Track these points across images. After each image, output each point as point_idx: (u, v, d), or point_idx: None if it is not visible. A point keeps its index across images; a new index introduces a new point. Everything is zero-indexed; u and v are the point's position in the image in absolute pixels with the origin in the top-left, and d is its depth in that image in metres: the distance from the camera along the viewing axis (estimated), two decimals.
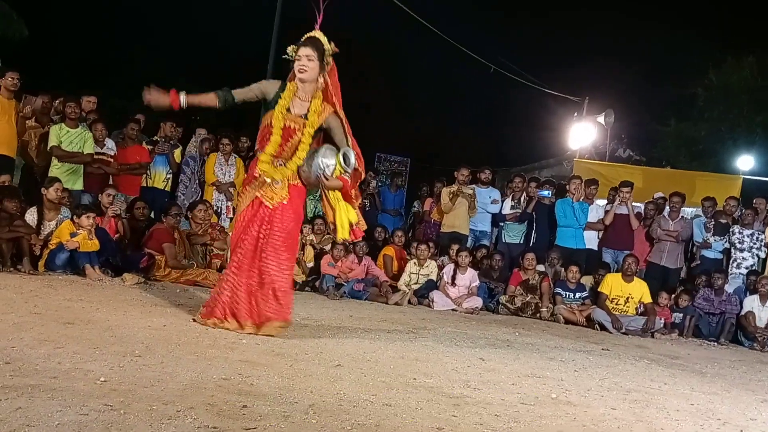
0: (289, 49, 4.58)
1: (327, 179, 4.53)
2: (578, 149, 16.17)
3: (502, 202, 9.99)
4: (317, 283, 8.29)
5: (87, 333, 3.67)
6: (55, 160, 7.79)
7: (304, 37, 4.58)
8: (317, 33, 4.57)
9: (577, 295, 8.65)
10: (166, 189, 9.01)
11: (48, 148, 7.81)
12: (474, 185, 9.97)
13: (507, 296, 8.70)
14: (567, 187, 9.90)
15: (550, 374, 4.35)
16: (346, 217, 4.74)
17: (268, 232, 4.48)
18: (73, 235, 6.57)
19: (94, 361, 3.05)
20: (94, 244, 6.70)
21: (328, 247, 8.76)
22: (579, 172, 11.15)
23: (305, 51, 4.51)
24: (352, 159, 4.55)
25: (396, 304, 8.12)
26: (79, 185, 7.97)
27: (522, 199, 9.93)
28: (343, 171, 4.55)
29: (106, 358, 3.12)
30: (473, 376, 3.90)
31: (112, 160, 8.31)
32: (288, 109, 4.54)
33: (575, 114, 17.40)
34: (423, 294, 8.52)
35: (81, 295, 5.14)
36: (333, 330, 5.18)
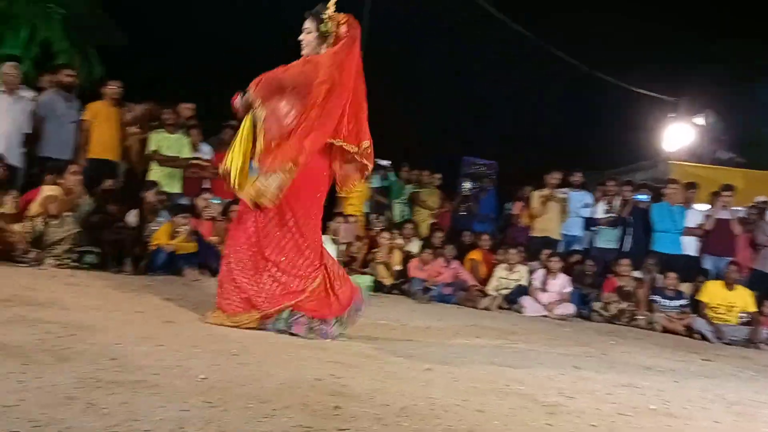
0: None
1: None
2: (674, 151, 15.58)
3: (595, 206, 9.74)
4: (405, 287, 8.30)
5: (186, 331, 3.80)
6: (154, 165, 8.11)
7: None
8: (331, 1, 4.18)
9: (676, 302, 8.29)
10: None
11: (149, 152, 8.16)
12: (566, 189, 9.76)
13: (601, 303, 8.45)
14: (663, 190, 9.55)
15: (648, 384, 4.18)
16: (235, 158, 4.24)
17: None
18: (171, 237, 6.83)
19: (194, 358, 3.15)
20: (191, 246, 6.93)
21: (415, 251, 8.76)
22: (676, 175, 10.74)
23: (304, 24, 4.22)
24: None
25: (485, 308, 8.03)
26: (177, 189, 8.26)
27: (616, 203, 9.65)
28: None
29: (205, 356, 3.21)
30: (567, 385, 3.80)
31: (208, 165, 8.58)
32: None
33: (670, 114, 16.77)
34: (513, 299, 8.39)
35: (180, 295, 5.32)
36: (422, 333, 5.17)
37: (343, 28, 4.10)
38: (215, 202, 8.09)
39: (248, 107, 4.11)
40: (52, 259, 6.11)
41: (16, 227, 6.15)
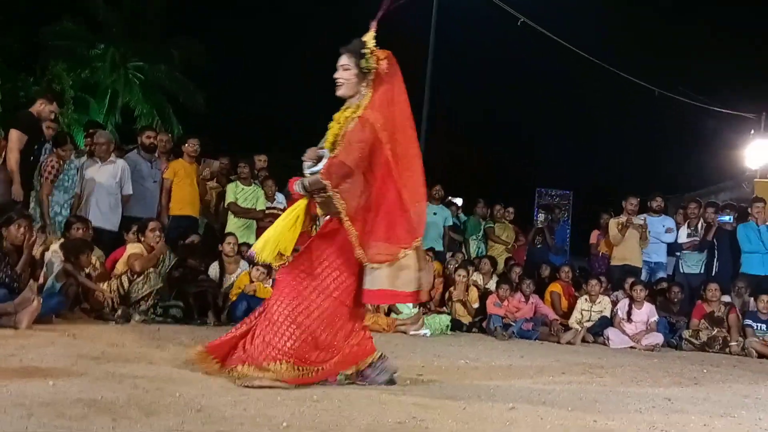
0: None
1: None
2: (757, 169, 14.99)
3: (677, 230, 9.43)
4: (484, 324, 8.19)
5: None
6: (231, 216, 8.35)
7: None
8: (368, 34, 3.81)
9: None
10: None
11: (225, 204, 8.41)
12: (644, 214, 9.50)
13: (690, 330, 8.14)
14: (749, 210, 9.19)
15: (746, 414, 3.97)
16: (283, 240, 3.82)
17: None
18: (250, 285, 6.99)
19: (276, 406, 3.18)
20: (269, 292, 7.05)
21: (492, 287, 8.66)
22: (761, 193, 10.31)
23: (340, 61, 3.82)
24: (321, 154, 3.78)
25: (569, 343, 7.83)
26: (252, 239, 8.47)
27: (699, 225, 9.33)
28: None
29: (287, 404, 3.24)
30: (659, 418, 3.65)
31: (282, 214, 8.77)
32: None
33: (752, 131, 16.19)
34: (597, 332, 8.16)
35: None
36: (504, 371, 5.08)
37: (383, 64, 3.78)
38: None
39: (310, 192, 3.80)
40: (138, 315, 6.32)
41: (104, 286, 6.41)
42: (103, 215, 7.54)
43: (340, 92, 3.84)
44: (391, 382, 3.94)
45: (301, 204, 3.82)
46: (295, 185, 3.80)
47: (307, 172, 3.77)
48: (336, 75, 3.82)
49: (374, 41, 3.78)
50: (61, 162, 7.24)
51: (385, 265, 3.71)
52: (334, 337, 3.80)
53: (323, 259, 3.81)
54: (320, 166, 3.72)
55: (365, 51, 3.74)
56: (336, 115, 3.89)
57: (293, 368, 3.66)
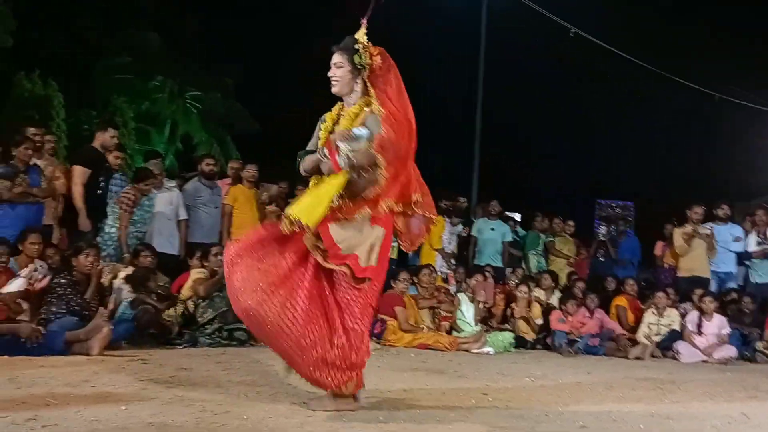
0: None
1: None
2: None
3: (746, 238, 9.13)
4: (548, 341, 8.05)
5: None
6: None
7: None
8: (359, 32, 3.69)
9: None
10: (392, 257, 9.34)
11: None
12: (710, 223, 9.22)
13: (765, 342, 7.86)
14: None
15: None
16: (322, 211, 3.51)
17: None
18: None
19: (344, 428, 3.18)
20: None
21: (555, 302, 8.52)
22: None
23: (333, 59, 3.70)
24: (358, 133, 3.54)
25: (637, 358, 7.63)
26: None
27: None
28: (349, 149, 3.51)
29: (353, 426, 3.24)
30: None
31: None
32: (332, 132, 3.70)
33: None
34: (666, 346, 7.94)
35: None
36: (572, 389, 4.97)
37: (377, 59, 3.65)
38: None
39: (356, 168, 3.53)
40: (204, 339, 6.43)
41: (170, 311, 6.55)
42: (165, 240, 7.77)
43: (335, 90, 3.71)
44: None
45: (340, 179, 3.51)
46: (340, 159, 3.50)
47: (348, 147, 3.49)
48: (330, 73, 3.70)
49: (366, 38, 3.65)
50: (138, 195, 7.43)
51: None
52: None
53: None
54: (362, 143, 3.51)
55: (358, 47, 3.63)
56: (328, 115, 3.77)
57: (354, 383, 3.58)
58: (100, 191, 7.36)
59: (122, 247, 7.25)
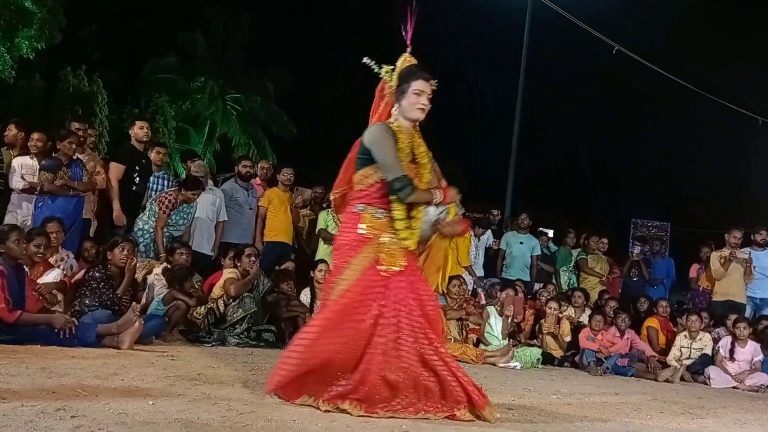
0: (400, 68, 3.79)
1: (443, 225, 3.79)
2: None
3: None
4: (576, 359, 7.97)
5: None
6: (321, 243, 8.49)
7: (409, 63, 3.78)
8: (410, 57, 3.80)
9: None
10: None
11: (316, 231, 8.56)
12: (748, 248, 9.06)
13: None
14: None
15: None
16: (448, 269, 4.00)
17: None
18: None
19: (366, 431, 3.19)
20: None
21: (585, 320, 8.43)
22: None
23: (430, 87, 3.72)
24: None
25: (667, 381, 7.51)
26: None
27: None
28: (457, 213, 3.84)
29: (377, 431, 3.24)
30: None
31: None
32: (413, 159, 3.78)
33: None
34: (697, 370, 7.80)
35: None
36: (598, 409, 4.90)
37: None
38: None
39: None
40: (233, 338, 6.49)
41: (201, 309, 6.63)
42: (203, 241, 7.90)
43: (422, 117, 3.77)
44: None
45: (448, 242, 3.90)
46: (440, 216, 3.78)
47: (436, 213, 3.77)
48: (426, 103, 3.73)
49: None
50: (179, 200, 7.50)
51: None
52: None
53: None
54: (441, 207, 3.77)
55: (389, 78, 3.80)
56: (399, 134, 3.72)
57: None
58: (134, 187, 7.51)
59: (158, 247, 7.35)
